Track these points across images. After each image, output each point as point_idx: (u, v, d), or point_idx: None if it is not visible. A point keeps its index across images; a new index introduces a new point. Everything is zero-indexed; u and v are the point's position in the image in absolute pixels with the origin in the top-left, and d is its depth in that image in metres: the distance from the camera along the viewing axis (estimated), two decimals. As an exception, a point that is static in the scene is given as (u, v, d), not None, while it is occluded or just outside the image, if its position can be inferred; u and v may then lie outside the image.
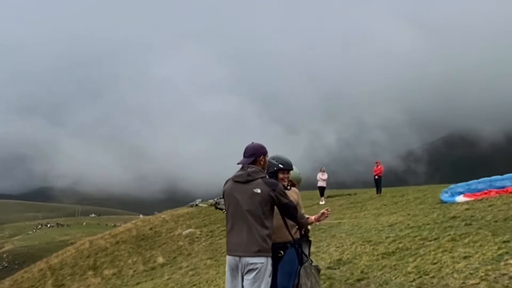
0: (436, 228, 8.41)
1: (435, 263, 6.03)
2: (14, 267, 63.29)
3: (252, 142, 4.21)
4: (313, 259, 4.57)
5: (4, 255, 76.40)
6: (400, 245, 7.72)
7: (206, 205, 31.35)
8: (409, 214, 10.85)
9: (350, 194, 22.84)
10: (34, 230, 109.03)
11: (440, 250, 6.62)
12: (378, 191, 19.46)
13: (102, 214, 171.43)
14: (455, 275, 5.29)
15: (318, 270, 4.49)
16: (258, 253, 3.84)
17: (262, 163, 4.14)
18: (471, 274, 5.19)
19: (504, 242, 6.20)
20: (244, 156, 4.15)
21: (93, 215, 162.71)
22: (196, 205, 33.20)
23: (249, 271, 3.80)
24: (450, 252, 6.37)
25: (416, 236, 8.09)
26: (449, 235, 7.53)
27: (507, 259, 5.35)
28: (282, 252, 4.31)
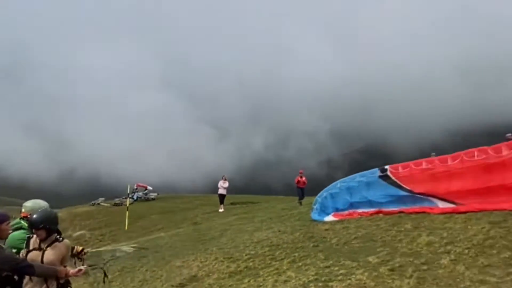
0: (289, 248, 9.08)
1: (259, 286, 6.57)
2: None
3: None
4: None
5: None
6: (250, 264, 8.27)
7: (108, 205, 30.55)
8: (279, 231, 11.54)
9: (253, 202, 23.60)
10: None
11: (274, 272, 7.23)
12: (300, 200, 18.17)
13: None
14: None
15: None
16: None
17: None
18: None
19: (326, 267, 6.91)
20: None
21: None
22: (98, 204, 32.28)
23: None
24: (279, 275, 6.98)
25: (268, 255, 8.69)
26: (294, 256, 8.20)
27: (311, 287, 6.00)
28: None
